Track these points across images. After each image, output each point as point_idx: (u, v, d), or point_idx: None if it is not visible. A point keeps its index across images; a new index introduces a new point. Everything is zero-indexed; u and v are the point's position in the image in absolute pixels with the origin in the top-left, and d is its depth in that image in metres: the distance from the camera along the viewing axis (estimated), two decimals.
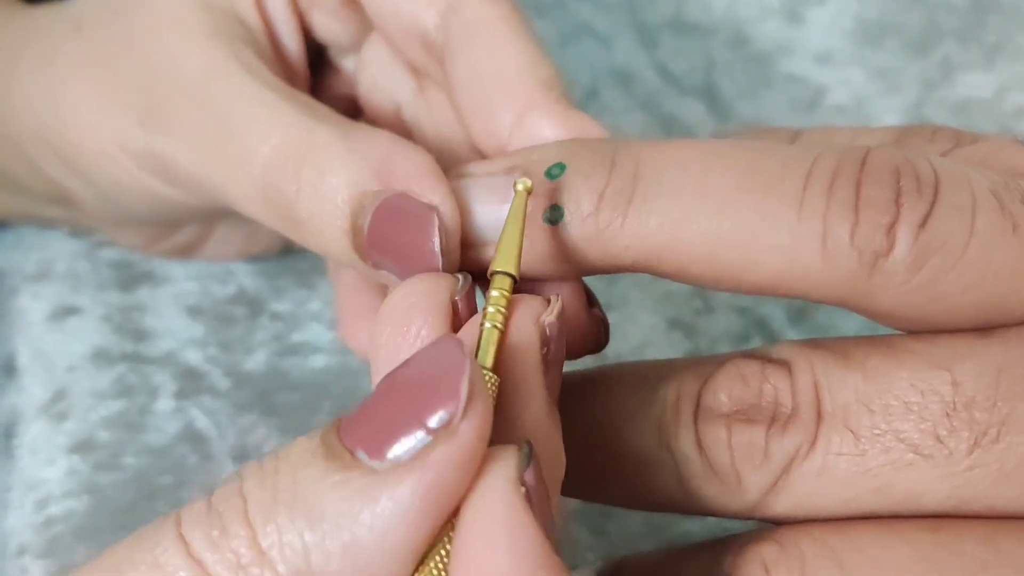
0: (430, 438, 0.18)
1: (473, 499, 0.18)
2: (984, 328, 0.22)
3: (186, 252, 0.35)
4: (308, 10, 0.30)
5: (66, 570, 0.29)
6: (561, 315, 0.22)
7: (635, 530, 0.30)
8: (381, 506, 0.18)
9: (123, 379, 0.33)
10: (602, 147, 0.23)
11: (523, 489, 0.18)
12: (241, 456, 0.32)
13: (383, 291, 0.27)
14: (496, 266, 0.22)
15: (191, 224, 0.34)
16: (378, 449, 0.18)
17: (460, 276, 0.23)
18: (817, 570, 0.22)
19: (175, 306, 0.35)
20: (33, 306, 0.35)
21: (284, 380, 0.34)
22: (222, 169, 0.26)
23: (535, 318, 0.21)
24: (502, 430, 0.19)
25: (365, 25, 0.30)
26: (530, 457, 0.18)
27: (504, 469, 0.18)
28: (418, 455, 0.18)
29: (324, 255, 0.25)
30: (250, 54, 0.27)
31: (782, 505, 0.22)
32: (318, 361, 0.34)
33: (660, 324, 0.35)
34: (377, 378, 0.22)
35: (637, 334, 0.35)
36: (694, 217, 0.22)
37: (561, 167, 0.23)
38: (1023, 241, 0.22)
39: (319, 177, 0.24)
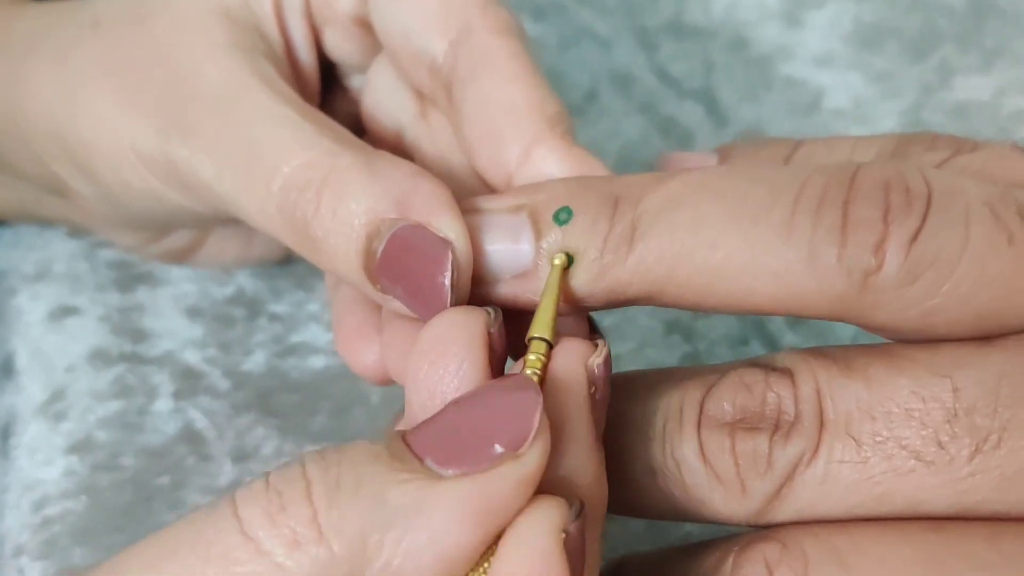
0: (498, 457, 0.19)
1: (516, 532, 0.19)
2: (983, 337, 0.23)
3: (179, 258, 0.35)
4: (321, 27, 0.30)
5: (63, 571, 0.29)
6: (608, 359, 0.23)
7: (635, 533, 0.30)
8: (443, 506, 0.19)
9: (122, 379, 0.33)
10: (605, 189, 0.24)
11: (563, 535, 0.19)
12: (240, 457, 0.32)
13: (379, 309, 0.27)
14: (533, 332, 0.23)
15: (186, 229, 0.34)
16: (447, 459, 0.19)
17: (490, 310, 0.23)
18: (820, 569, 0.22)
19: (174, 307, 0.35)
20: (32, 306, 0.35)
21: (283, 381, 0.34)
22: (240, 181, 0.26)
23: (583, 360, 0.22)
24: (550, 464, 0.20)
25: (374, 46, 0.30)
26: (580, 513, 0.20)
27: (550, 514, 0.19)
28: (484, 469, 0.19)
29: (334, 274, 0.25)
30: (270, 68, 0.27)
31: (785, 512, 0.23)
32: (317, 362, 0.34)
33: (658, 327, 0.35)
34: (415, 407, 0.22)
35: (636, 336, 0.35)
36: (689, 251, 0.23)
37: (568, 212, 0.24)
38: (1019, 252, 0.22)
39: (339, 201, 0.24)
